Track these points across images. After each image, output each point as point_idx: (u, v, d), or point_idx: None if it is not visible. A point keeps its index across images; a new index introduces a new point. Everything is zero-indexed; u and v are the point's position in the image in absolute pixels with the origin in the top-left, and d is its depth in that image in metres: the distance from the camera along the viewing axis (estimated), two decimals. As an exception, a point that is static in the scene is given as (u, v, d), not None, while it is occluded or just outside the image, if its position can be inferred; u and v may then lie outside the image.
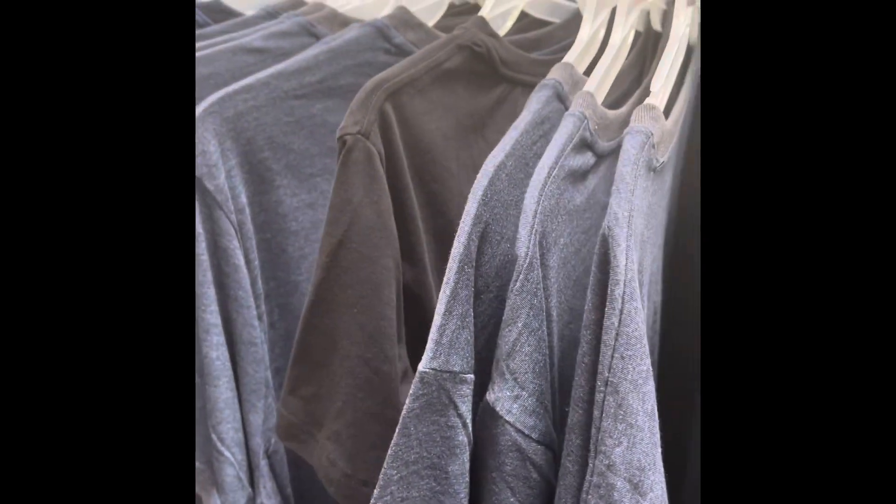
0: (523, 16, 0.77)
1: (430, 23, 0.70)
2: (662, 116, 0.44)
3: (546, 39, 0.72)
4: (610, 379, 0.38)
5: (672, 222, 0.73)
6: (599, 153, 0.50)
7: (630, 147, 0.41)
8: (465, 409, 0.45)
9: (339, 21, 0.70)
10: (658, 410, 0.62)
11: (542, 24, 0.77)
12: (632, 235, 0.39)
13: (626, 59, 0.64)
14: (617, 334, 0.38)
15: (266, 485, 0.66)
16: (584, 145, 0.48)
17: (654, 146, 0.43)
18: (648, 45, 0.67)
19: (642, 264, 0.48)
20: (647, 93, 0.48)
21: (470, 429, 0.46)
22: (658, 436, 0.40)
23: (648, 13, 0.66)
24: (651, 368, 0.40)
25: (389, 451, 0.44)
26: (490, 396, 0.44)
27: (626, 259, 0.38)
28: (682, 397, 0.66)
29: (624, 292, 0.38)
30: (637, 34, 0.69)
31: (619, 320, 0.38)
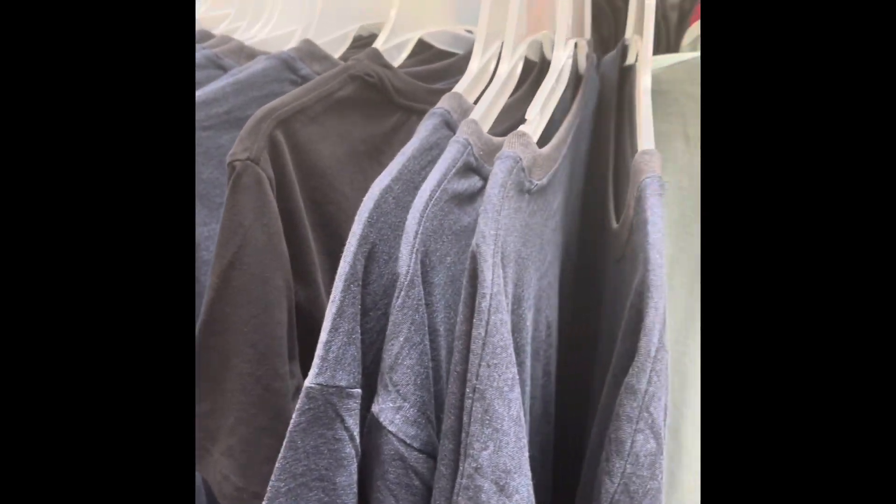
0: (429, 47, 0.81)
1: (336, 54, 0.72)
2: (533, 143, 0.48)
3: (449, 70, 0.75)
4: (477, 386, 0.41)
5: (573, 240, 0.77)
6: (486, 177, 0.53)
7: (498, 171, 0.44)
8: (353, 422, 0.47)
9: (246, 53, 0.72)
10: (557, 417, 0.66)
11: (449, 55, 0.81)
12: (499, 252, 0.42)
13: (522, 88, 0.68)
14: (484, 344, 0.40)
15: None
16: (469, 169, 0.51)
17: (524, 170, 0.46)
18: (543, 74, 0.71)
19: (521, 280, 0.51)
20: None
21: (357, 441, 0.47)
22: (525, 440, 0.43)
23: (542, 44, 0.70)
24: (517, 376, 0.42)
25: (277, 464, 0.46)
26: (375, 408, 0.46)
27: (493, 274, 0.41)
28: (581, 406, 0.68)
29: (490, 305, 0.40)
30: (533, 64, 0.73)
31: (486, 331, 0.40)
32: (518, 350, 0.52)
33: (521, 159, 0.45)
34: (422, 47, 0.80)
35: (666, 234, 0.77)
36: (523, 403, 0.54)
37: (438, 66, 0.74)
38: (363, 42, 0.79)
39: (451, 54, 0.80)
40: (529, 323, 0.56)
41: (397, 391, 0.46)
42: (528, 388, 0.56)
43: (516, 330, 0.52)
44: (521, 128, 0.48)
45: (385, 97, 0.64)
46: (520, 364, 0.53)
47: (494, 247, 0.41)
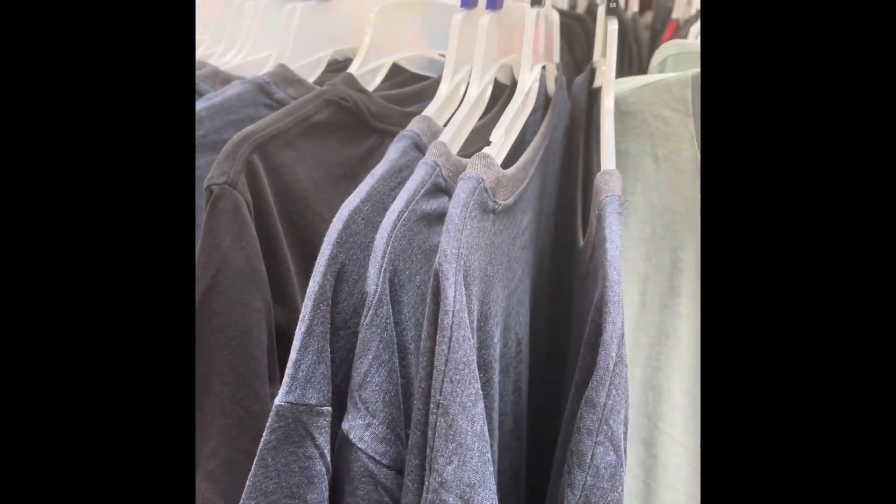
0: (403, 71, 0.82)
1: (311, 79, 0.74)
2: (496, 164, 0.49)
3: (423, 93, 0.77)
4: (441, 402, 0.42)
5: (546, 257, 0.78)
6: (454, 197, 0.54)
7: (460, 192, 0.45)
8: (323, 440, 0.48)
9: (221, 78, 0.73)
10: (530, 433, 0.66)
11: (423, 78, 0.83)
12: (461, 270, 0.43)
13: (493, 111, 0.70)
14: (447, 360, 0.41)
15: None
16: (438, 190, 0.53)
17: (486, 190, 0.47)
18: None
19: (487, 297, 0.52)
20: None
21: (328, 458, 0.48)
22: (489, 455, 0.44)
23: (512, 68, 0.71)
24: (480, 392, 0.43)
25: (248, 482, 0.46)
26: (345, 425, 0.47)
27: (455, 292, 0.42)
28: (552, 421, 0.69)
29: (453, 322, 0.41)
30: (505, 87, 0.75)
31: (449, 347, 0.41)
32: (486, 366, 0.54)
33: (483, 180, 0.46)
34: (396, 71, 0.81)
35: (637, 252, 0.79)
36: (492, 419, 0.55)
37: (412, 89, 0.76)
38: (338, 66, 0.80)
39: (426, 78, 0.82)
40: (497, 339, 0.57)
41: (366, 408, 0.47)
42: (496, 405, 0.57)
43: (483, 346, 0.53)
44: (485, 150, 0.50)
45: (360, 121, 0.65)
46: (488, 380, 0.54)
47: (457, 265, 0.42)
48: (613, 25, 0.59)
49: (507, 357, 0.62)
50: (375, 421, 0.47)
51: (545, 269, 0.79)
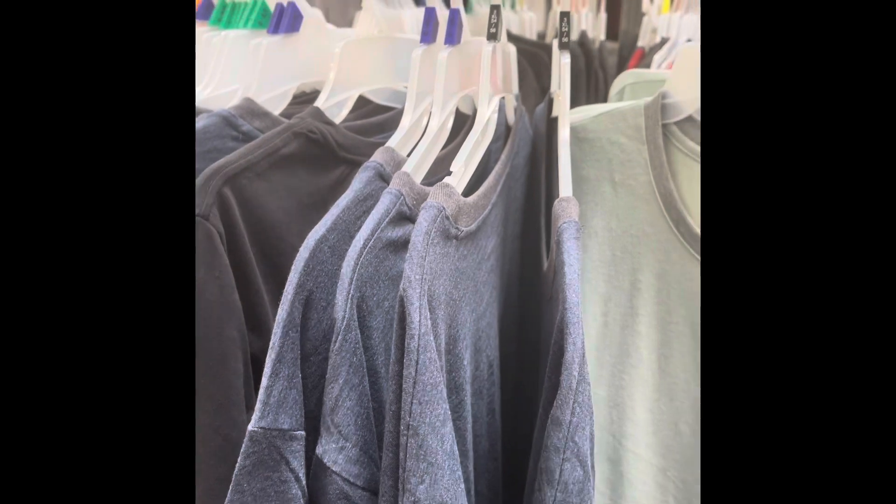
0: (368, 102, 0.85)
1: (277, 111, 0.76)
2: (456, 192, 0.51)
3: (388, 123, 0.79)
4: (410, 423, 0.43)
5: (514, 281, 0.81)
6: (420, 225, 0.56)
7: (422, 220, 0.47)
8: (297, 463, 0.49)
9: (190, 112, 0.75)
10: (505, 453, 0.68)
11: (388, 109, 0.85)
12: (425, 295, 0.45)
13: (455, 141, 0.72)
14: (414, 382, 0.43)
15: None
16: (403, 218, 0.55)
17: (448, 217, 0.49)
18: (475, 127, 0.76)
19: (455, 321, 0.54)
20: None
21: (304, 482, 0.49)
22: (460, 472, 0.45)
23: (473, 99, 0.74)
24: (448, 412, 0.45)
25: (224, 508, 0.47)
26: (319, 449, 0.48)
27: (420, 316, 0.44)
28: (527, 441, 0.71)
29: (419, 345, 0.43)
30: (467, 117, 0.77)
31: (416, 370, 0.43)
32: (457, 388, 0.55)
33: (444, 208, 0.48)
34: (361, 102, 0.83)
35: (599, 273, 0.82)
36: (466, 441, 0.57)
37: (376, 119, 0.78)
38: (305, 98, 0.82)
39: (390, 109, 0.84)
40: (468, 362, 0.59)
41: (339, 432, 0.48)
42: (470, 426, 0.58)
43: (454, 369, 0.55)
44: (446, 179, 0.52)
45: (328, 152, 0.67)
46: (460, 402, 0.56)
47: (420, 290, 0.44)
48: (566, 59, 0.62)
49: (480, 380, 0.64)
50: (349, 444, 0.48)
51: (513, 292, 0.81)
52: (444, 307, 0.50)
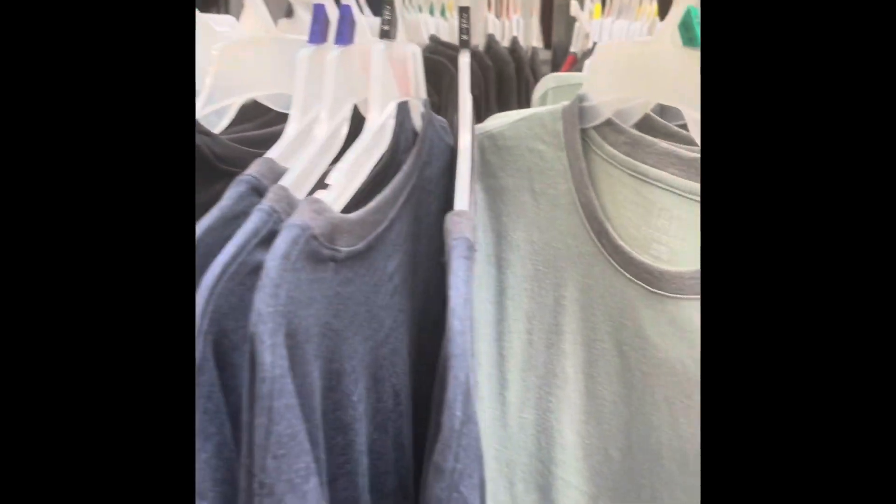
0: (268, 110, 0.78)
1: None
2: (328, 209, 0.45)
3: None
4: (265, 480, 0.37)
5: (432, 302, 0.75)
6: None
7: (279, 243, 0.41)
8: None
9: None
10: (417, 488, 0.62)
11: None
12: (281, 331, 0.39)
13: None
14: (267, 433, 0.37)
15: None
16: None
17: (316, 237, 0.43)
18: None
19: (337, 354, 0.48)
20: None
21: None
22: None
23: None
24: (313, 464, 0.39)
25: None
26: None
27: (273, 356, 0.37)
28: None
29: (271, 390, 0.37)
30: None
31: (269, 419, 0.37)
32: (343, 428, 0.49)
33: (309, 227, 0.42)
34: (261, 110, 0.77)
35: (522, 289, 0.77)
36: (357, 486, 0.51)
37: (272, 130, 0.72)
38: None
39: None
40: (360, 397, 0.52)
41: (197, 489, 0.42)
42: (365, 469, 0.53)
43: (339, 407, 0.49)
44: (318, 194, 0.46)
45: (205, 164, 0.61)
46: (348, 443, 0.50)
47: (273, 325, 0.38)
48: (465, 59, 0.57)
49: (384, 412, 0.58)
50: (205, 502, 0.42)
51: (430, 313, 0.75)
52: (317, 340, 0.44)
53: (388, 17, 0.57)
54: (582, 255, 0.71)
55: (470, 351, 0.40)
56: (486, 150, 0.75)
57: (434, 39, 1.47)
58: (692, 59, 0.58)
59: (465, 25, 0.56)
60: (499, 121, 0.77)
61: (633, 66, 0.64)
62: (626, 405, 0.69)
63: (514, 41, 1.53)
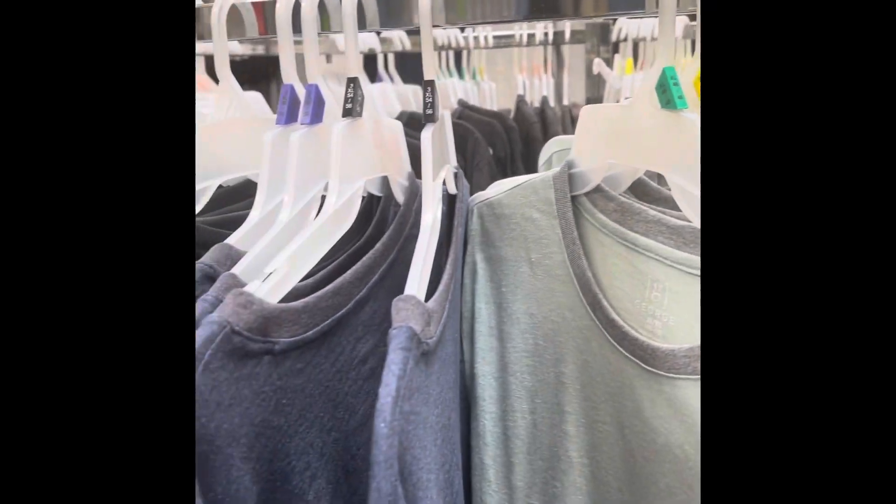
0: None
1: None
2: (257, 300, 0.43)
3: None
4: None
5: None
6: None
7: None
8: None
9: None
10: None
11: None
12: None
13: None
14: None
15: None
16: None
17: (240, 332, 0.41)
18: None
19: (282, 452, 0.45)
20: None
21: None
22: None
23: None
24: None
25: None
26: None
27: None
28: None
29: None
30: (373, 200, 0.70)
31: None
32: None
33: (228, 324, 0.40)
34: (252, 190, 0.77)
35: (524, 365, 0.72)
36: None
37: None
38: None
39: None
40: (315, 495, 0.49)
41: None
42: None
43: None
44: (248, 286, 0.44)
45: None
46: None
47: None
48: (427, 133, 0.55)
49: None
50: None
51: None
52: (248, 441, 0.42)
53: (350, 95, 0.55)
54: (580, 330, 0.67)
55: (396, 457, 0.37)
56: (486, 218, 0.73)
57: (462, 103, 1.47)
58: (671, 123, 0.54)
59: (428, 100, 0.54)
60: (497, 188, 0.74)
61: (615, 131, 0.61)
62: (631, 492, 0.64)
63: (544, 100, 1.51)
